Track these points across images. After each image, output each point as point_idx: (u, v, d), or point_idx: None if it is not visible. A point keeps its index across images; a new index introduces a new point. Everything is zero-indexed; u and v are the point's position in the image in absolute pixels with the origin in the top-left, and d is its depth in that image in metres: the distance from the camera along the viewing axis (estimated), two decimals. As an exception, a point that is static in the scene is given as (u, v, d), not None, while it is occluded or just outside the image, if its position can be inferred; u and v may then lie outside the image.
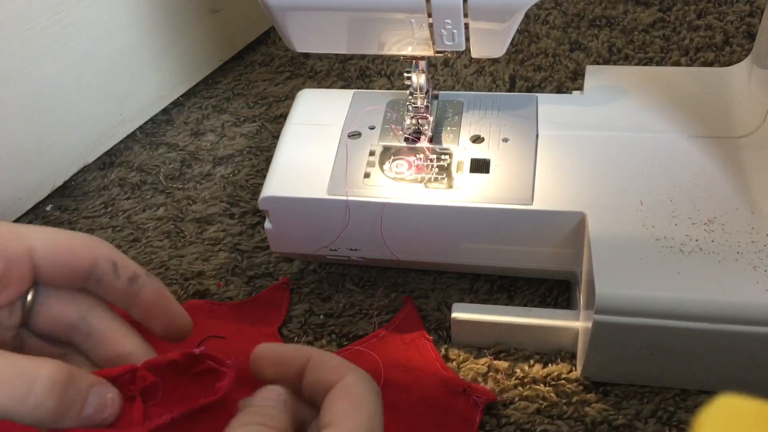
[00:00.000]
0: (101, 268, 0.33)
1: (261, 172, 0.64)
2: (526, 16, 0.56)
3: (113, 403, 0.31)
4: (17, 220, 0.62)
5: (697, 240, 0.43)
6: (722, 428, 0.21)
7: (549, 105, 0.53)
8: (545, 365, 0.48)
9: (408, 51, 0.46)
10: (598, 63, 0.69)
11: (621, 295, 0.41)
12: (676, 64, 0.67)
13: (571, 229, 0.47)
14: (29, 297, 0.33)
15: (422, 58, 0.48)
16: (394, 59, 0.72)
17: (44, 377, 0.29)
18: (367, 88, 0.70)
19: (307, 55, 0.75)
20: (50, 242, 0.33)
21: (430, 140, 0.52)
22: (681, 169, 0.48)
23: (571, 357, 0.48)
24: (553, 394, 0.46)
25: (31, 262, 0.32)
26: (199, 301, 0.55)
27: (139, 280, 0.34)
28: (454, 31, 0.42)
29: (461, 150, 0.51)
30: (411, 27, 0.43)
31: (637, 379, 0.46)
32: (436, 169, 0.50)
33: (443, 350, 0.50)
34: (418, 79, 0.50)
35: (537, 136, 0.51)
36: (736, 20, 0.70)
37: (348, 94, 0.57)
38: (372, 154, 0.51)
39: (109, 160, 0.67)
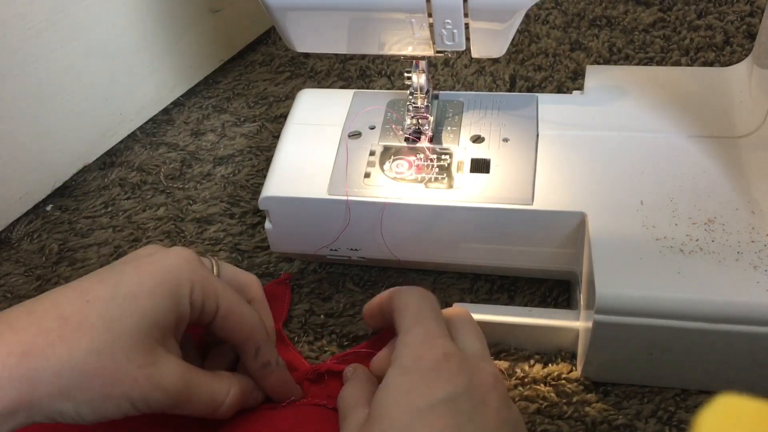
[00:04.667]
0: (249, 347, 0.42)
1: (261, 172, 0.64)
2: (527, 16, 0.56)
3: (255, 399, 0.43)
4: (17, 220, 0.62)
5: (697, 240, 0.43)
6: (722, 428, 0.21)
7: (549, 105, 0.53)
8: (545, 365, 0.48)
9: (408, 51, 0.46)
10: (598, 63, 0.69)
11: (621, 295, 0.41)
12: (677, 64, 0.67)
13: (572, 229, 0.47)
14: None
15: (422, 58, 0.48)
16: (395, 59, 0.72)
17: (231, 399, 0.40)
18: (368, 88, 0.70)
19: (307, 55, 0.75)
20: (229, 304, 0.41)
21: (431, 140, 0.52)
22: (681, 169, 0.48)
23: (572, 357, 0.48)
24: (553, 394, 0.46)
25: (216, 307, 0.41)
26: None
27: (272, 366, 0.43)
28: (455, 31, 0.42)
29: (461, 150, 0.51)
30: (411, 27, 0.43)
31: (637, 379, 0.46)
32: (437, 169, 0.50)
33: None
34: (419, 79, 0.50)
35: (537, 136, 0.51)
36: (737, 20, 0.70)
37: (348, 94, 0.57)
38: (372, 154, 0.51)
39: (109, 160, 0.67)
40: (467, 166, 0.50)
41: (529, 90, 0.67)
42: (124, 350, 0.35)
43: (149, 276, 0.37)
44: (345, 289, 0.54)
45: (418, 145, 0.51)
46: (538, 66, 0.69)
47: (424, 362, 0.37)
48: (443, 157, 0.51)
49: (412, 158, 0.51)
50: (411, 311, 0.40)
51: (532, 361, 0.48)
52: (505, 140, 0.51)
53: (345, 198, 0.49)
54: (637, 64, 0.68)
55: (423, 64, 0.49)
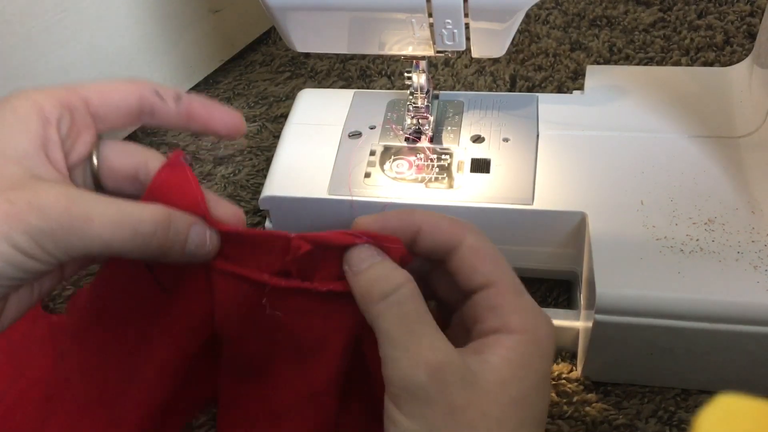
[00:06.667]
0: (147, 98, 0.35)
1: (261, 171, 0.64)
2: (527, 16, 0.56)
3: (212, 240, 0.34)
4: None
5: (697, 240, 0.43)
6: (722, 428, 0.21)
7: (549, 105, 0.53)
8: (546, 365, 0.48)
9: (408, 51, 0.46)
10: (598, 63, 0.69)
11: (621, 294, 0.41)
12: (677, 64, 0.67)
13: (572, 228, 0.47)
14: (94, 156, 0.35)
15: (423, 57, 0.48)
16: (395, 59, 0.72)
17: (148, 219, 0.31)
18: (368, 88, 0.70)
19: (307, 55, 0.75)
20: (100, 89, 0.35)
21: (431, 140, 0.52)
22: (681, 168, 0.48)
23: (572, 357, 0.48)
24: (553, 394, 0.46)
25: (89, 111, 0.34)
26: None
27: (183, 97, 0.36)
28: (455, 30, 0.42)
29: (462, 150, 0.51)
30: (411, 27, 0.43)
31: (637, 378, 0.46)
32: (437, 169, 0.50)
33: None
34: (419, 78, 0.50)
35: (537, 135, 0.51)
36: (737, 20, 0.70)
37: (348, 94, 0.57)
38: (372, 153, 0.51)
39: (109, 160, 0.67)
40: (467, 166, 0.50)
41: (530, 90, 0.67)
42: None
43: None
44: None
45: (419, 145, 0.51)
46: (538, 66, 0.69)
47: (542, 338, 0.33)
48: (443, 157, 0.51)
49: (412, 158, 0.51)
50: (500, 262, 0.34)
51: (532, 361, 0.48)
52: (506, 140, 0.51)
53: (345, 198, 0.49)
54: (638, 64, 0.68)
55: (423, 64, 0.49)
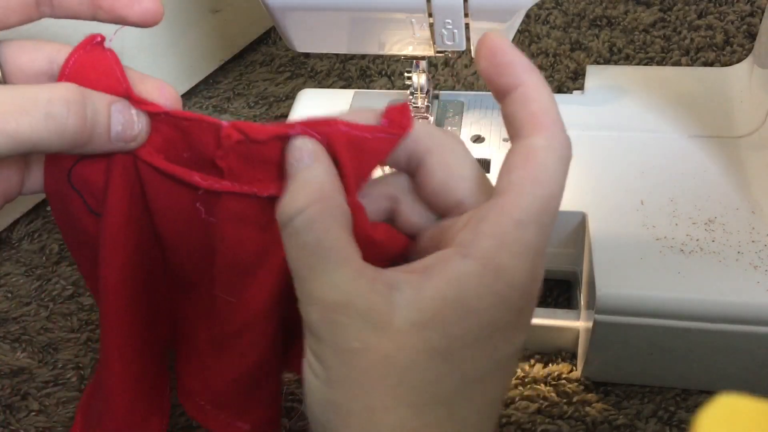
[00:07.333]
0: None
1: (261, 172, 0.64)
2: (527, 16, 0.56)
3: (140, 119, 0.30)
4: (18, 220, 0.62)
5: (697, 240, 0.43)
6: (722, 428, 0.21)
7: (549, 105, 0.53)
8: (546, 365, 0.48)
9: (408, 51, 0.46)
10: (598, 63, 0.69)
11: (622, 294, 0.41)
12: (677, 64, 0.67)
13: (572, 229, 0.47)
14: None
15: (423, 57, 0.48)
16: (395, 59, 0.72)
17: (58, 96, 0.27)
18: (368, 88, 0.70)
19: (307, 55, 0.75)
20: None
21: (431, 140, 0.51)
22: (681, 169, 0.48)
23: (572, 357, 0.48)
24: (553, 394, 0.46)
25: None
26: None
27: None
28: (455, 30, 0.42)
29: (462, 150, 0.51)
30: (411, 27, 0.43)
31: (637, 378, 0.46)
32: (437, 169, 0.50)
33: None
34: (419, 79, 0.50)
35: (537, 136, 0.51)
36: (737, 20, 0.70)
37: (348, 94, 0.57)
38: (372, 154, 0.51)
39: (109, 160, 0.67)
40: (467, 166, 0.50)
41: (530, 90, 0.67)
42: None
43: None
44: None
45: (419, 145, 0.51)
46: (538, 66, 0.69)
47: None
48: (443, 157, 0.50)
49: (412, 158, 0.51)
50: (533, 171, 0.27)
51: (532, 361, 0.48)
52: (506, 140, 0.51)
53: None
54: (638, 64, 0.68)
55: (423, 64, 0.49)
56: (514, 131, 0.28)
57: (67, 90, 0.28)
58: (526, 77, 0.28)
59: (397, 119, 0.28)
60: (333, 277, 0.25)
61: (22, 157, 0.32)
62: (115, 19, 0.31)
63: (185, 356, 0.38)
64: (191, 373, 0.37)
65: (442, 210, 0.29)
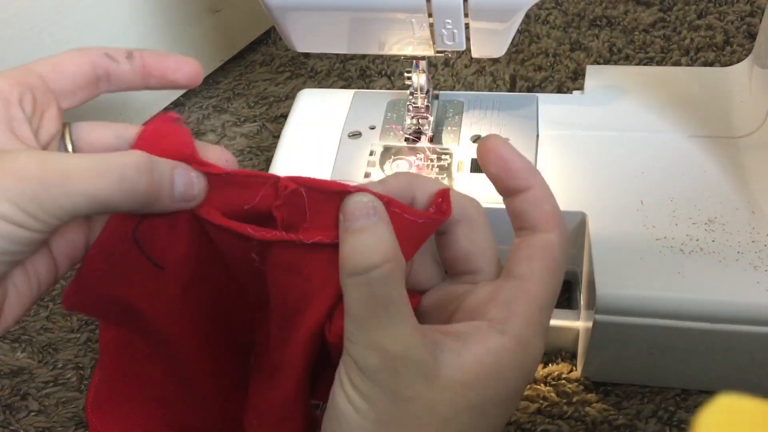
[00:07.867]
0: (99, 62, 0.35)
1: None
2: (527, 16, 0.56)
3: (199, 180, 0.33)
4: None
5: (697, 240, 0.43)
6: (722, 428, 0.21)
7: (549, 105, 0.53)
8: (546, 365, 0.48)
9: (408, 51, 0.46)
10: (598, 63, 0.69)
11: (622, 294, 0.41)
12: (677, 64, 0.67)
13: (572, 229, 0.47)
14: (68, 137, 0.34)
15: (423, 58, 0.48)
16: (395, 59, 0.72)
17: (131, 163, 0.30)
18: (368, 88, 0.70)
19: (307, 55, 0.75)
20: (52, 62, 0.34)
21: (431, 140, 0.52)
22: (681, 169, 0.48)
23: (572, 357, 0.48)
24: (553, 394, 0.46)
25: (47, 87, 0.33)
26: None
27: (134, 52, 0.35)
28: (455, 30, 0.42)
29: (462, 150, 0.51)
30: (411, 27, 0.43)
31: (637, 378, 0.46)
32: (437, 169, 0.50)
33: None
34: (419, 79, 0.50)
35: (537, 136, 0.51)
36: (737, 20, 0.70)
37: (348, 94, 0.57)
38: (372, 154, 0.51)
39: (109, 160, 0.67)
40: (467, 166, 0.50)
41: (529, 90, 0.67)
42: None
43: None
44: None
45: (419, 145, 0.51)
46: (538, 66, 0.69)
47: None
48: (443, 157, 0.51)
49: (412, 158, 0.51)
50: (550, 263, 0.33)
51: (532, 361, 0.48)
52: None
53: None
54: (638, 64, 0.68)
55: (423, 64, 0.49)
56: (526, 224, 0.33)
57: (137, 156, 0.31)
58: (534, 180, 0.33)
59: (443, 207, 0.32)
60: (397, 330, 0.29)
61: (86, 220, 0.34)
62: (165, 85, 0.36)
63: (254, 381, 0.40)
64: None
65: (454, 271, 0.34)
